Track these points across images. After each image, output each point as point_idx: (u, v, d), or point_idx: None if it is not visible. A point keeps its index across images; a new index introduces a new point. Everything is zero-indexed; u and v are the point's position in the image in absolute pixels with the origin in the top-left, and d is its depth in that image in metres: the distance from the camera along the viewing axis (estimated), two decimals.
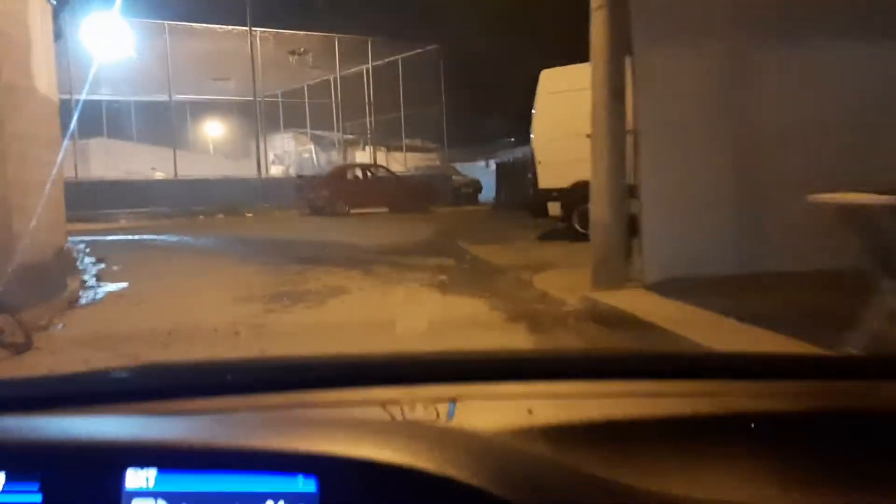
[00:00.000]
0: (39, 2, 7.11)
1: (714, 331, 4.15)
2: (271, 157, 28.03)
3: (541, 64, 10.70)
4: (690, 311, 4.69)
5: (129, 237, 13.55)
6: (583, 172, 8.55)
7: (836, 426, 0.98)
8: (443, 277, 7.59)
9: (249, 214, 19.88)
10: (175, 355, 4.34)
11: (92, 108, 24.10)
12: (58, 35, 8.38)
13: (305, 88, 29.05)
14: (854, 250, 5.24)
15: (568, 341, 4.83)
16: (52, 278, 6.72)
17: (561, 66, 10.22)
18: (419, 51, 25.40)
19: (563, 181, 9.87)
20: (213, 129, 32.92)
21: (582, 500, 0.78)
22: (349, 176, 20.87)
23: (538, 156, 10.44)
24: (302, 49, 24.89)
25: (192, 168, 23.49)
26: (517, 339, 4.72)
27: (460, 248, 9.99)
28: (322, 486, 0.76)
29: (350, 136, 28.62)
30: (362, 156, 27.56)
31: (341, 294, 6.69)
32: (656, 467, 0.89)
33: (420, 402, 1.02)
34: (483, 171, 25.88)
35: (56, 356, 4.65)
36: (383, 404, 1.02)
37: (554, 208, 10.32)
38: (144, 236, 13.76)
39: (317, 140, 29.71)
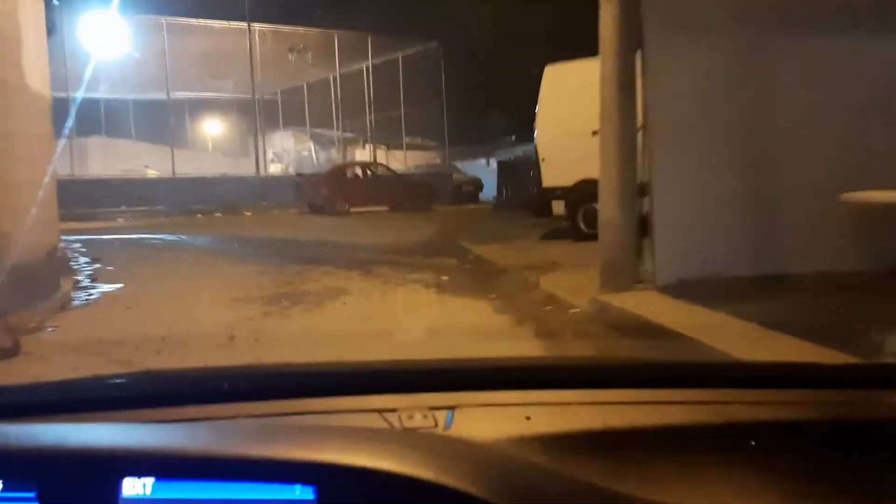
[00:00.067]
0: None
1: (735, 337, 3.95)
2: (270, 155, 27.91)
3: (543, 60, 10.54)
4: (708, 316, 4.50)
5: (126, 236, 13.45)
6: (588, 170, 8.43)
7: (836, 436, 0.98)
8: (445, 278, 7.45)
9: (248, 213, 19.79)
10: (168, 362, 4.24)
11: (90, 107, 24.01)
12: (51, 30, 8.21)
13: (305, 86, 28.85)
14: (878, 250, 5.09)
15: (579, 348, 4.65)
16: (43, 279, 6.57)
17: (565, 62, 10.03)
18: (420, 48, 25.20)
19: (568, 179, 9.70)
20: (212, 128, 32.74)
21: None
22: (349, 174, 20.72)
23: (542, 153, 10.25)
24: (301, 46, 24.73)
25: (191, 166, 23.36)
26: (525, 346, 4.54)
27: (462, 248, 9.83)
28: (320, 495, 0.75)
29: (350, 134, 28.45)
30: (362, 154, 27.41)
31: (341, 296, 6.54)
32: (654, 476, 0.89)
33: (418, 411, 1.02)
34: (484, 170, 25.72)
35: (44, 362, 4.52)
36: (381, 412, 1.02)
37: (558, 207, 10.14)
38: (142, 235, 13.67)
39: (316, 138, 29.56)
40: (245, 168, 24.65)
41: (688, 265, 5.47)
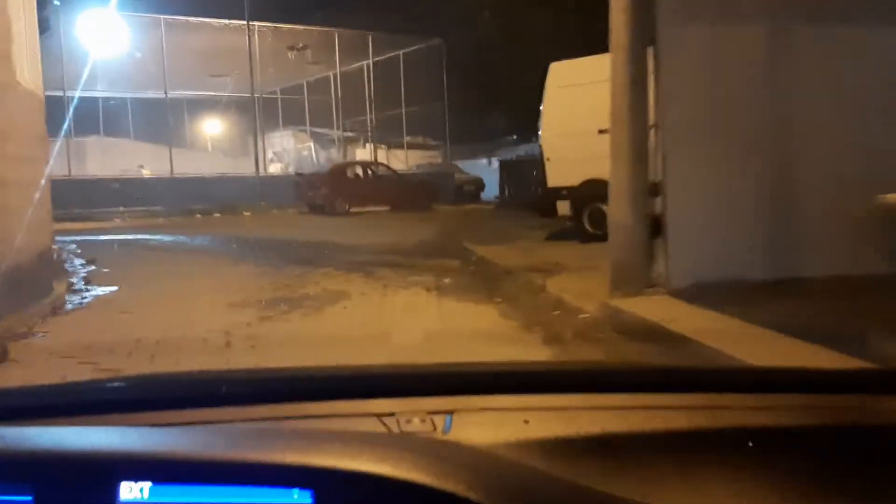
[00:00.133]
0: None
1: (757, 345, 3.76)
2: (270, 154, 27.78)
3: (546, 58, 10.39)
4: (726, 322, 4.30)
5: (123, 237, 13.36)
6: (594, 170, 8.29)
7: (836, 441, 0.98)
8: (448, 281, 7.29)
9: (247, 213, 19.66)
10: (162, 370, 4.03)
11: (88, 106, 23.89)
12: (44, 28, 8.05)
13: (305, 85, 28.66)
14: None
15: (590, 356, 4.45)
16: (35, 282, 6.45)
17: (571, 59, 9.84)
18: (421, 46, 24.97)
19: (574, 179, 9.54)
20: (212, 127, 32.57)
21: None
22: (349, 174, 20.56)
23: (547, 153, 10.07)
24: (301, 44, 24.53)
25: (191, 166, 23.22)
26: (534, 353, 4.37)
27: (465, 249, 9.65)
28: (317, 499, 0.75)
29: (350, 134, 28.29)
30: (363, 153, 27.24)
31: (341, 299, 6.37)
32: (653, 481, 0.89)
33: (417, 415, 1.01)
34: (485, 169, 25.52)
35: (32, 370, 4.42)
36: (379, 417, 1.01)
37: (563, 207, 9.95)
38: (139, 236, 13.58)
39: (316, 137, 29.41)
40: (244, 167, 24.45)
41: (702, 268, 5.28)
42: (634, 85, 5.37)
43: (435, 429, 0.99)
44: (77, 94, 18.18)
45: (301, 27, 23.75)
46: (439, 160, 26.99)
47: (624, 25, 5.35)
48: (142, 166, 23.39)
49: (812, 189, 5.44)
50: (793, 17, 5.43)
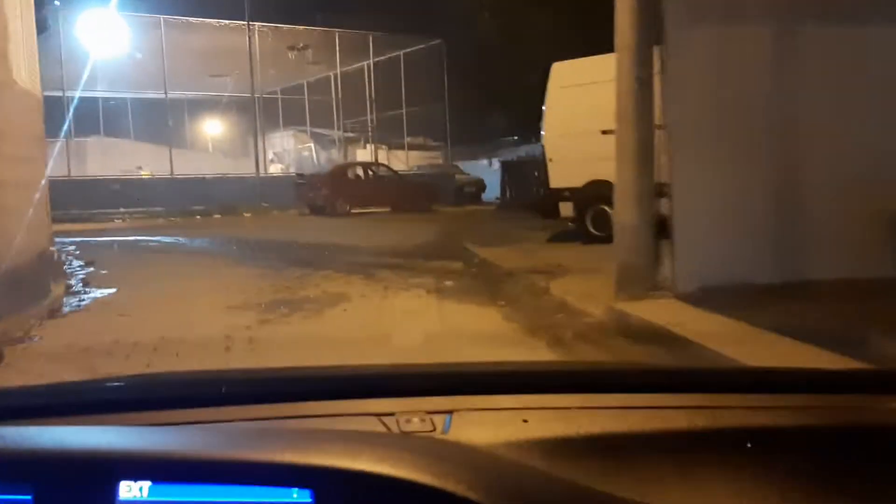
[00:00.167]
0: None
1: (765, 350, 3.69)
2: (270, 155, 27.71)
3: (548, 59, 10.34)
4: (735, 327, 4.22)
5: (123, 238, 13.31)
6: (597, 171, 8.23)
7: (835, 441, 0.98)
8: (450, 283, 7.21)
9: (247, 214, 19.61)
10: None
11: (88, 106, 23.86)
12: (42, 27, 7.98)
13: (305, 85, 28.60)
14: None
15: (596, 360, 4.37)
16: (33, 284, 6.37)
17: (573, 60, 9.78)
18: (422, 46, 24.90)
19: (577, 180, 9.47)
20: (212, 127, 32.53)
21: None
22: (350, 175, 20.49)
23: (549, 153, 10.00)
24: (301, 44, 24.47)
25: (191, 166, 23.18)
26: (538, 357, 4.28)
27: (467, 251, 9.58)
28: (317, 499, 0.75)
29: (351, 134, 28.22)
30: (363, 154, 27.18)
31: (342, 302, 6.31)
32: (653, 481, 0.89)
33: (416, 415, 1.01)
34: (487, 170, 25.46)
35: (26, 374, 4.32)
36: (379, 416, 1.01)
37: (566, 208, 9.89)
38: (138, 237, 13.53)
39: (317, 138, 29.35)
40: (245, 168, 24.40)
41: (708, 271, 5.21)
42: (640, 86, 5.30)
43: (434, 428, 0.99)
44: (77, 94, 18.15)
45: (301, 27, 23.71)
46: (440, 161, 26.93)
47: (630, 26, 5.28)
48: (140, 167, 23.32)
49: (819, 191, 5.37)
50: (799, 18, 5.37)
